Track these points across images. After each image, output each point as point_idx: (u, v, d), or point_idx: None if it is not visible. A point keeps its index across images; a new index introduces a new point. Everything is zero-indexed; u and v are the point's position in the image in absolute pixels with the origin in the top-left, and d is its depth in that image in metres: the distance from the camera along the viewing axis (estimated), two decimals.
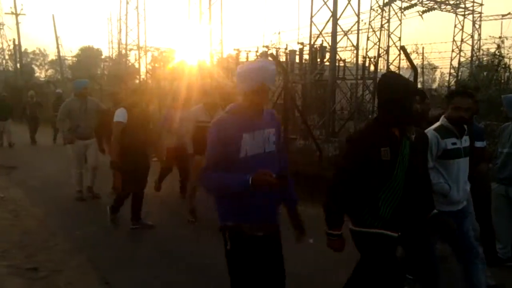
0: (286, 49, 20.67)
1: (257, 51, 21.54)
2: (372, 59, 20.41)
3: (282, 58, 19.23)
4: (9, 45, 44.38)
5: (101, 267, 3.88)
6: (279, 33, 23.75)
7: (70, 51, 55.15)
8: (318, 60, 16.46)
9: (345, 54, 18.52)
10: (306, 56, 17.82)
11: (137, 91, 5.19)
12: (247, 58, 22.15)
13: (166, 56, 27.55)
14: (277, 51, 20.68)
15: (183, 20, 51.69)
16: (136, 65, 29.49)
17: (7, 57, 48.65)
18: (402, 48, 6.77)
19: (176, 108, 6.04)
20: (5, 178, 7.82)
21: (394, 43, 21.67)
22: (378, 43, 21.46)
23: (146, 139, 4.91)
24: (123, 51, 30.66)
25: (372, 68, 20.15)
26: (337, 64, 15.44)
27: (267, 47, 20.52)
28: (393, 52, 21.83)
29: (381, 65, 23.50)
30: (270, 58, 17.50)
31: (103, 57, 55.99)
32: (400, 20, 22.09)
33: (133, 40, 28.05)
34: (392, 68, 22.07)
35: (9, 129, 12.53)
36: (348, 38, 15.86)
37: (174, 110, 6.05)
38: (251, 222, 2.18)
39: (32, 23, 73.15)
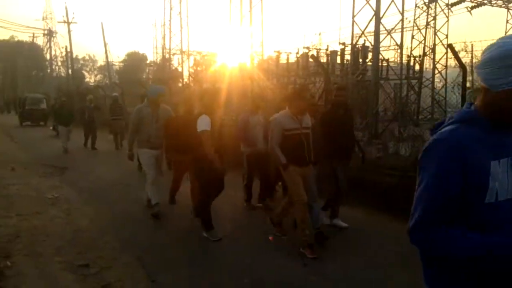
0: (327, 50, 20.46)
1: (297, 53, 21.46)
2: (417, 58, 19.76)
3: (323, 59, 19.04)
4: (61, 52, 47.12)
5: (147, 265, 4.01)
6: (319, 34, 23.62)
7: (117, 57, 57.65)
8: (360, 60, 16.15)
9: (389, 54, 18.10)
10: (347, 57, 17.52)
11: (209, 94, 4.88)
12: (287, 59, 22.13)
13: (208, 60, 28.06)
14: (318, 52, 20.52)
15: (224, 23, 52.46)
16: (179, 69, 30.23)
17: (59, 63, 51.55)
18: (450, 46, 6.50)
19: (254, 112, 5.97)
20: (58, 179, 8.26)
21: (440, 41, 20.83)
22: (423, 42, 20.74)
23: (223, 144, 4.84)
24: (167, 56, 31.50)
25: (417, 67, 19.50)
26: (380, 64, 15.07)
27: (307, 48, 20.41)
28: (440, 50, 20.98)
29: (427, 64, 22.70)
30: (311, 60, 17.41)
31: (148, 62, 57.92)
32: (447, 17, 21.19)
33: (176, 44, 28.79)
34: (439, 67, 21.24)
35: (68, 134, 12.40)
36: (391, 37, 15.43)
37: (249, 115, 5.95)
38: None
39: (82, 30, 77.17)
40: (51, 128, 17.78)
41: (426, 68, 21.46)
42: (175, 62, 31.92)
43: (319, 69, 16.22)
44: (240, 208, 6.14)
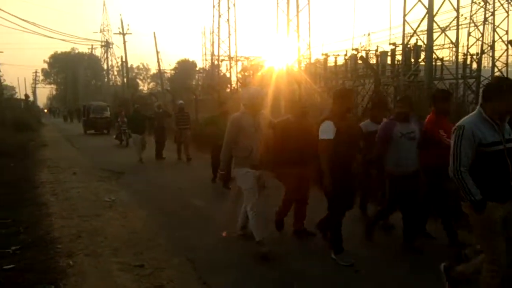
0: (376, 50, 19.98)
1: (345, 55, 21.13)
2: (474, 56, 18.77)
3: (373, 61, 18.59)
4: (117, 62, 49.66)
5: (198, 268, 4.11)
6: (368, 34, 23.11)
7: (169, 65, 59.86)
8: (412, 60, 15.60)
9: (443, 53, 17.34)
10: (398, 57, 17.00)
11: (343, 95, 4.22)
12: (335, 62, 21.85)
13: (255, 65, 28.37)
14: (367, 54, 20.08)
15: (271, 28, 52.80)
16: (227, 75, 30.80)
17: (115, 73, 54.33)
18: (511, 43, 6.12)
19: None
20: (115, 183, 8.69)
21: (500, 37, 19.68)
22: (481, 39, 19.66)
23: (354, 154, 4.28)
24: (216, 62, 32.19)
25: (474, 65, 18.52)
26: (433, 64, 14.47)
27: (356, 49, 20.02)
28: (500, 47, 19.81)
29: (485, 62, 21.48)
30: (360, 61, 17.08)
31: (197, 68, 59.61)
32: (507, 12, 19.97)
33: (225, 51, 29.37)
34: (498, 64, 20.02)
35: (144, 143, 11.81)
36: (446, 35, 14.81)
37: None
38: None
39: (136, 41, 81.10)
40: (114, 137, 17.43)
41: (484, 67, 20.30)
42: (223, 68, 32.58)
43: (369, 70, 15.86)
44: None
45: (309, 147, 4.24)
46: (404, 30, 14.11)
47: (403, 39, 14.45)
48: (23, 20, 48.33)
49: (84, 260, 4.34)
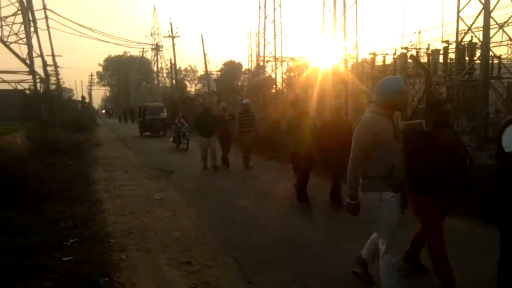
0: (428, 49, 19.23)
1: (394, 53, 20.51)
2: None
3: (423, 59, 17.91)
4: (167, 65, 51.28)
5: (244, 267, 4.17)
6: (419, 32, 22.16)
7: (215, 66, 60.93)
8: (467, 58, 14.86)
9: (500, 50, 16.37)
10: (451, 55, 16.26)
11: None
12: (383, 61, 21.29)
13: (301, 65, 28.24)
14: (417, 52, 19.37)
15: (317, 28, 52.30)
16: (273, 76, 30.87)
17: (165, 75, 56.12)
18: None
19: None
20: (165, 182, 8.99)
21: None
22: None
23: None
24: (261, 63, 32.36)
25: None
26: (490, 62, 13.69)
27: (406, 48, 19.37)
28: None
29: None
30: (410, 60, 16.52)
31: (243, 70, 60.23)
32: None
33: (270, 52, 29.49)
34: None
35: (214, 147, 10.55)
36: (503, 31, 13.96)
37: None
38: None
39: (185, 43, 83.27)
40: (171, 139, 16.47)
41: None
42: (268, 69, 32.70)
43: (419, 69, 15.29)
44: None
45: None
46: (457, 27, 13.46)
47: (457, 37, 13.78)
48: (80, 25, 51.29)
49: (135, 254, 4.53)
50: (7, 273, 3.77)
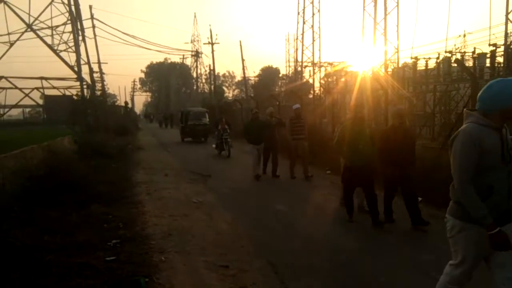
0: (473, 52, 18.47)
1: (437, 58, 19.86)
2: None
3: (469, 63, 17.23)
4: (205, 71, 52.29)
5: (280, 271, 4.17)
6: (464, 35, 21.38)
7: (253, 72, 61.41)
8: None
9: None
10: (499, 59, 15.54)
11: None
12: (426, 65, 20.67)
13: (339, 70, 27.93)
14: (462, 56, 18.67)
15: (356, 32, 51.59)
16: (310, 81, 30.71)
17: (203, 80, 57.22)
18: None
19: None
20: (202, 185, 9.15)
21: None
22: None
23: None
24: (299, 68, 32.30)
25: None
26: None
27: (450, 52, 18.72)
28: None
29: None
30: (454, 64, 15.93)
31: (280, 75, 60.36)
32: None
33: (308, 57, 29.37)
34: None
35: (261, 154, 10.05)
36: None
37: None
38: None
39: (223, 49, 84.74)
40: (213, 146, 15.94)
41: None
42: (306, 74, 32.58)
43: (465, 74, 14.72)
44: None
45: None
46: (506, 29, 12.91)
47: (505, 39, 13.20)
48: (124, 33, 53.37)
49: (174, 256, 4.65)
50: (55, 270, 3.98)
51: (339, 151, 6.24)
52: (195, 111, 22.65)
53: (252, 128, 10.06)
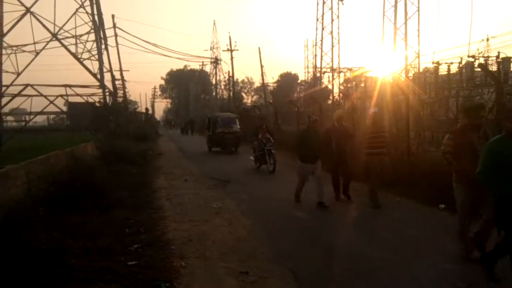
0: (497, 57, 18.10)
1: (460, 62, 19.52)
2: None
3: (493, 68, 16.87)
4: (225, 77, 52.63)
5: (300, 279, 4.14)
6: (487, 39, 20.96)
7: (272, 78, 61.48)
8: None
9: None
10: None
11: None
12: (448, 70, 20.32)
13: (358, 76, 27.72)
14: (486, 60, 18.30)
15: (375, 38, 51.15)
16: (329, 87, 30.55)
17: (222, 86, 57.58)
18: None
19: None
20: (221, 191, 9.18)
21: None
22: None
23: None
24: (318, 74, 32.19)
25: None
26: None
27: (473, 56, 18.36)
28: None
29: None
30: (477, 69, 15.62)
31: (299, 81, 60.26)
32: None
33: (327, 63, 29.24)
34: None
35: (320, 175, 7.47)
36: None
37: None
38: None
39: (242, 56, 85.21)
40: (251, 158, 13.64)
41: None
42: (325, 80, 32.44)
43: (488, 79, 14.39)
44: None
45: None
46: None
47: None
48: (145, 41, 54.21)
49: (194, 262, 4.67)
50: (78, 274, 4.04)
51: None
52: (224, 117, 19.70)
53: (308, 142, 7.57)
